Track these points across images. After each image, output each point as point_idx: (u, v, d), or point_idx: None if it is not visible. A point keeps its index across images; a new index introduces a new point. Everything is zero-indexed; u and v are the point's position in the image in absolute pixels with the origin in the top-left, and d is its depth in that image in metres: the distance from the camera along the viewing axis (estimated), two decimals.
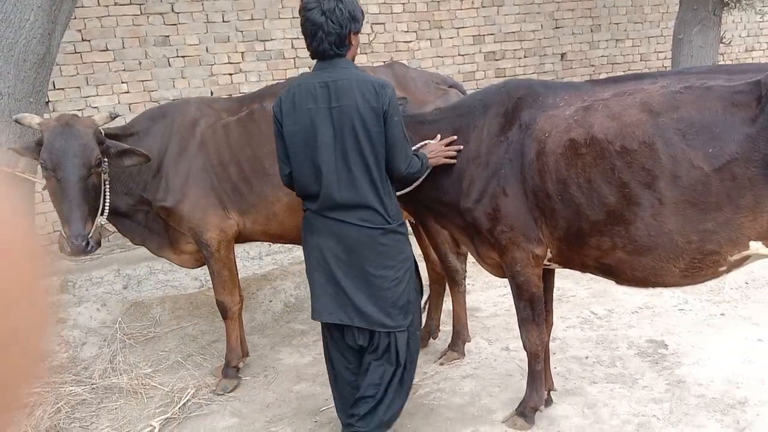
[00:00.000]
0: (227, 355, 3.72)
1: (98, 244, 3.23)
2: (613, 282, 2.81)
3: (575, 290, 4.63)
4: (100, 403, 3.59)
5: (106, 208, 3.36)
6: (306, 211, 2.83)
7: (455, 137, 2.90)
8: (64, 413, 3.46)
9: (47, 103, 5.20)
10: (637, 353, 3.71)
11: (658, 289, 4.46)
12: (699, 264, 2.49)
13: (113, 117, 3.37)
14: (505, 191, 2.72)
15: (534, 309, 2.94)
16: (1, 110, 3.78)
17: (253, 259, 5.71)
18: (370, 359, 2.84)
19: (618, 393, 3.31)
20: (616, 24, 8.36)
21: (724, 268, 2.52)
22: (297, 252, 5.69)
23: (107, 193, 3.35)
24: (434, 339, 3.99)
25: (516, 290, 2.92)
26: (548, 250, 2.79)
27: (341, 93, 2.63)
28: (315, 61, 2.76)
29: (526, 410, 3.08)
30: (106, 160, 3.30)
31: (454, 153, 2.90)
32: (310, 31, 2.66)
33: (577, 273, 4.76)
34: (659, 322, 4.08)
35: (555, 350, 3.74)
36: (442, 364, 3.72)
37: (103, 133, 3.30)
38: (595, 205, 2.53)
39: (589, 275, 4.75)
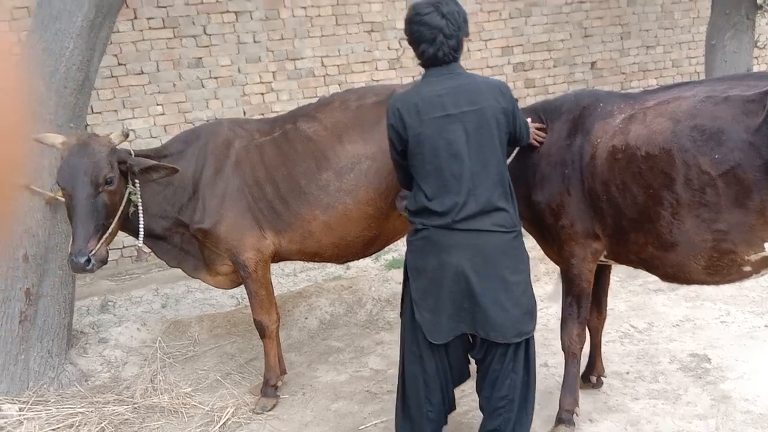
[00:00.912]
0: (266, 374, 3.75)
1: (102, 262, 3.18)
2: (658, 277, 2.97)
3: (613, 303, 4.56)
4: (143, 422, 3.64)
5: (140, 229, 3.42)
6: (422, 230, 2.63)
7: (544, 125, 3.08)
8: None
9: (86, 127, 5.33)
10: (680, 368, 3.64)
11: (699, 301, 4.42)
12: (718, 262, 2.68)
13: (126, 135, 3.34)
14: (569, 190, 2.94)
15: (579, 306, 3.08)
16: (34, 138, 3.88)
17: (288, 276, 5.76)
18: (496, 371, 2.69)
19: (661, 409, 3.25)
20: (646, 31, 8.28)
21: (748, 269, 2.68)
22: (330, 268, 5.72)
23: (140, 214, 3.40)
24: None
25: (567, 285, 3.08)
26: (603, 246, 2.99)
27: (471, 97, 2.53)
28: (426, 69, 2.63)
29: (563, 414, 3.13)
30: (136, 181, 3.35)
31: (542, 138, 3.04)
32: (429, 36, 2.54)
33: (615, 286, 4.74)
34: (701, 335, 4.00)
35: None
36: None
37: (130, 152, 3.35)
38: (629, 204, 2.77)
39: (628, 289, 4.73)
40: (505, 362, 2.68)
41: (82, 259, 3.09)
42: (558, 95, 3.41)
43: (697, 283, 2.87)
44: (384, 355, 4.23)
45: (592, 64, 8.04)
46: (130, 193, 3.35)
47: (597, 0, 7.92)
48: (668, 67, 8.48)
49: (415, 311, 2.68)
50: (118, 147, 3.32)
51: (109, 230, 3.23)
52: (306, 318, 4.81)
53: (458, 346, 2.75)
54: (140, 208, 3.42)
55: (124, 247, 5.97)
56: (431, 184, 2.57)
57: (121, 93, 5.85)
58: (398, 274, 5.23)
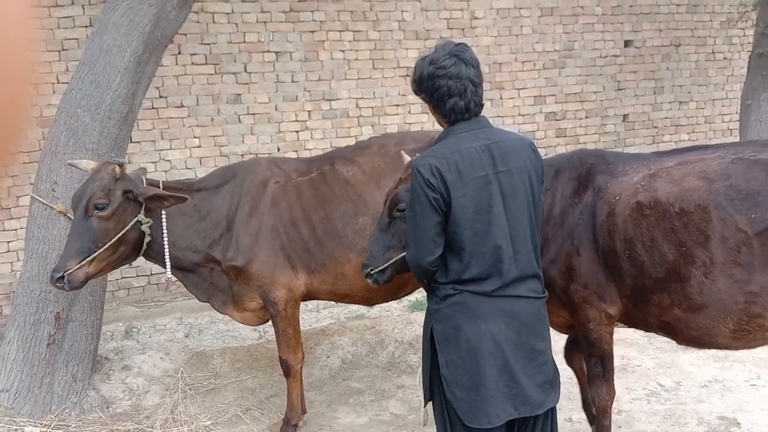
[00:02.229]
0: (288, 413, 3.74)
1: (76, 283, 3.22)
2: (675, 342, 2.94)
3: (641, 360, 4.49)
4: None
5: (166, 260, 3.46)
6: (453, 295, 2.37)
7: None
8: None
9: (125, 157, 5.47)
10: (708, 431, 3.55)
11: (729, 362, 4.33)
12: (746, 326, 2.64)
13: (121, 165, 3.37)
14: (579, 251, 2.86)
15: (605, 366, 3.03)
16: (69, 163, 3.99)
17: (310, 312, 5.77)
18: None
19: None
20: (680, 86, 8.30)
21: None
22: (353, 307, 5.72)
23: (165, 245, 3.43)
24: None
25: (588, 347, 3.02)
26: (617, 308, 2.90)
27: (507, 155, 2.33)
28: (451, 125, 2.40)
29: None
30: (162, 213, 3.41)
31: None
32: (458, 89, 2.32)
33: (642, 342, 4.67)
34: (730, 398, 3.90)
35: (621, 424, 3.62)
36: None
37: (142, 181, 3.41)
38: (656, 262, 2.71)
39: (655, 345, 4.65)
40: None
41: (56, 275, 3.19)
42: (549, 156, 3.38)
43: (720, 348, 2.81)
44: (405, 399, 4.20)
45: (624, 116, 8.06)
46: (139, 222, 3.36)
47: (631, 54, 7.99)
48: (701, 123, 8.46)
49: (446, 389, 2.39)
50: (134, 176, 3.41)
51: (95, 255, 3.23)
52: (328, 357, 4.80)
53: None
54: (165, 239, 3.44)
55: (151, 274, 6.05)
56: (470, 251, 2.32)
57: (160, 124, 6.00)
58: (421, 317, 5.20)
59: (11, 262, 5.58)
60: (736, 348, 2.78)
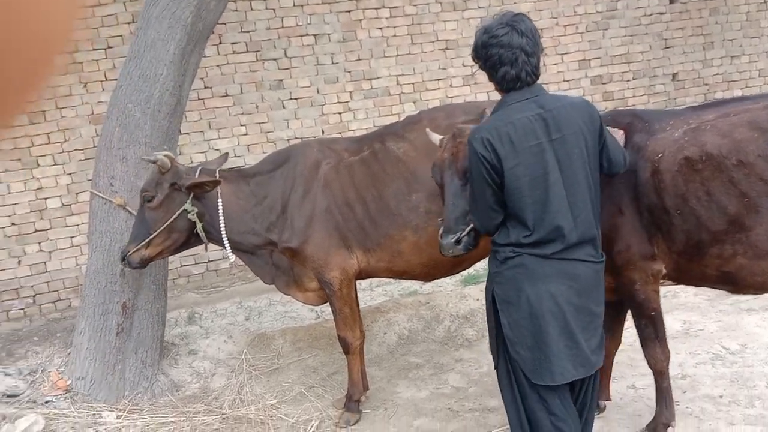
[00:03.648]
0: (350, 389, 3.82)
1: (136, 265, 3.67)
2: (729, 291, 2.94)
3: (703, 323, 4.40)
4: None
5: (225, 244, 3.61)
6: (514, 257, 2.44)
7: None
8: None
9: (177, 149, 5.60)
10: None
11: None
12: None
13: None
14: (621, 210, 2.86)
15: (656, 326, 3.02)
16: (139, 158, 4.13)
17: (364, 291, 5.83)
18: (582, 409, 2.62)
19: None
20: (731, 40, 7.98)
21: None
22: (406, 283, 5.76)
23: (222, 229, 3.60)
24: None
25: (636, 309, 3.01)
26: (663, 266, 2.90)
27: (562, 122, 2.38)
28: (505, 93, 2.47)
29: (657, 427, 3.10)
30: (219, 201, 3.59)
31: None
32: (509, 57, 2.38)
33: (704, 305, 4.58)
34: None
35: (686, 388, 3.58)
36: None
37: (182, 171, 3.64)
38: (715, 215, 2.70)
39: (717, 308, 4.55)
40: (586, 397, 2.63)
41: (121, 256, 3.73)
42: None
43: None
44: (464, 372, 4.23)
45: (674, 75, 7.82)
46: (185, 211, 3.57)
47: (677, 10, 7.71)
48: (754, 77, 8.14)
49: (510, 349, 2.49)
50: (189, 167, 3.71)
51: (147, 240, 3.60)
52: (385, 333, 4.86)
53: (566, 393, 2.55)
54: (222, 225, 3.60)
55: (209, 261, 6.20)
56: (530, 218, 2.39)
57: (207, 115, 6.11)
58: (475, 291, 5.22)
59: (76, 257, 5.79)
60: None
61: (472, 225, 2.62)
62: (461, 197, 2.65)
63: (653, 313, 2.98)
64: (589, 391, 2.65)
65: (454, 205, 2.67)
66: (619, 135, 2.87)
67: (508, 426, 3.39)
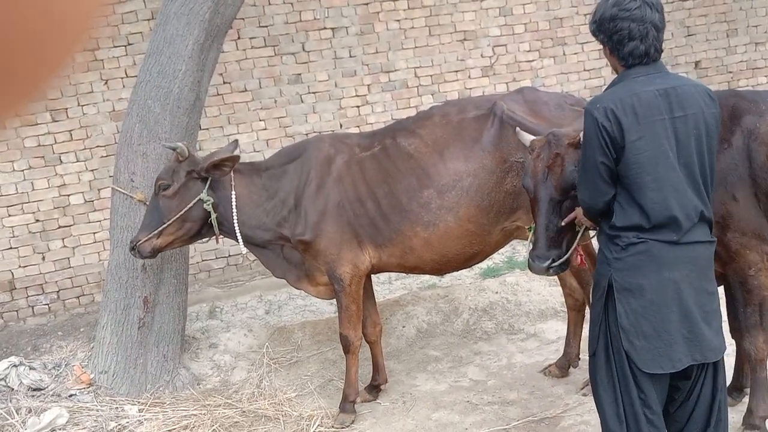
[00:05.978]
0: (345, 390, 3.81)
1: (146, 254, 3.67)
2: None
3: None
4: (251, 426, 3.81)
5: (238, 236, 3.64)
6: (637, 243, 2.35)
7: None
8: None
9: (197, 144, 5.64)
10: None
11: None
12: None
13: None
14: (735, 196, 2.80)
15: (763, 313, 2.95)
16: (159, 154, 4.17)
17: (383, 284, 5.83)
18: (694, 396, 2.52)
19: None
20: (755, 26, 7.82)
21: None
22: (425, 276, 5.75)
23: (235, 222, 3.63)
24: (575, 368, 3.89)
25: (745, 295, 2.94)
26: None
27: (684, 101, 2.31)
28: (628, 68, 2.39)
29: (755, 421, 3.01)
30: (235, 191, 3.63)
31: None
32: (640, 32, 2.31)
33: None
34: None
35: None
36: (585, 394, 3.62)
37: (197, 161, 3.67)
38: None
39: None
40: (703, 384, 2.50)
41: (131, 245, 3.72)
42: None
43: None
44: (483, 365, 4.22)
45: (696, 63, 7.68)
46: (201, 200, 3.58)
47: None
48: None
49: (623, 338, 2.38)
50: (203, 157, 3.73)
51: (160, 229, 3.61)
52: (404, 326, 4.86)
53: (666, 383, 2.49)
54: (235, 217, 3.60)
55: (229, 255, 6.25)
56: (650, 198, 2.31)
57: (226, 110, 6.14)
58: (494, 283, 5.19)
59: (98, 252, 5.87)
60: None
61: (567, 252, 2.60)
62: (556, 215, 2.59)
63: (763, 300, 2.92)
64: (719, 376, 2.52)
65: (548, 224, 2.61)
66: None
67: (528, 418, 3.39)
